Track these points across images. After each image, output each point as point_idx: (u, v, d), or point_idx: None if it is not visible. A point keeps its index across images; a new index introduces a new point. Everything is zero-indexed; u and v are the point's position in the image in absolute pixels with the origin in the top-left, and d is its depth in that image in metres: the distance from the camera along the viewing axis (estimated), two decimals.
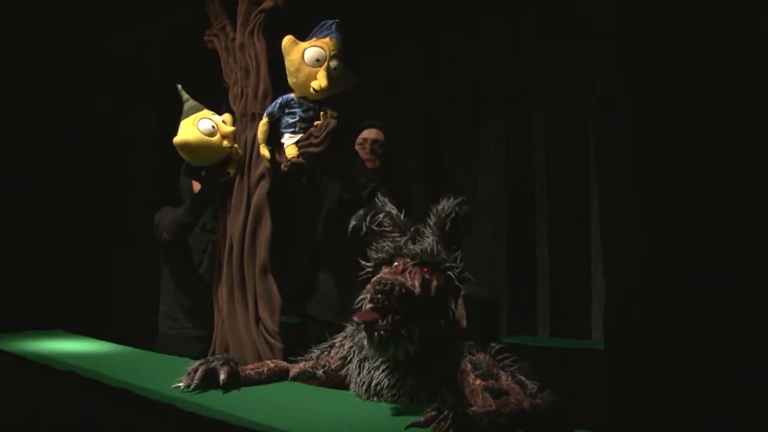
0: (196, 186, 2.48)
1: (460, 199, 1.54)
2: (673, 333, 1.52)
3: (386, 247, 1.54)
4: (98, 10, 3.46)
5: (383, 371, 1.49)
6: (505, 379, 1.35)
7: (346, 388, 1.61)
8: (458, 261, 1.52)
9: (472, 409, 1.16)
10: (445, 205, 1.53)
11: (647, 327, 1.57)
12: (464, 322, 1.56)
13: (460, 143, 3.36)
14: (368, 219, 1.63)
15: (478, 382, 1.35)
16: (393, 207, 1.62)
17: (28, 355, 2.20)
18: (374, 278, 1.39)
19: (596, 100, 2.04)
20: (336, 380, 1.65)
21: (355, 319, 1.40)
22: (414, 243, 1.54)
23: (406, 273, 1.47)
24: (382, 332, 1.37)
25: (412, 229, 1.59)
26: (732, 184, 1.49)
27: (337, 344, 1.68)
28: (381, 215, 1.62)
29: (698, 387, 1.46)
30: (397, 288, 1.36)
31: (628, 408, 1.60)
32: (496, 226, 3.22)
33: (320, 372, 1.67)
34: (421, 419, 1.14)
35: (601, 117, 1.91)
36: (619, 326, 1.67)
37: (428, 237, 1.54)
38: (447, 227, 1.52)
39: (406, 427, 1.14)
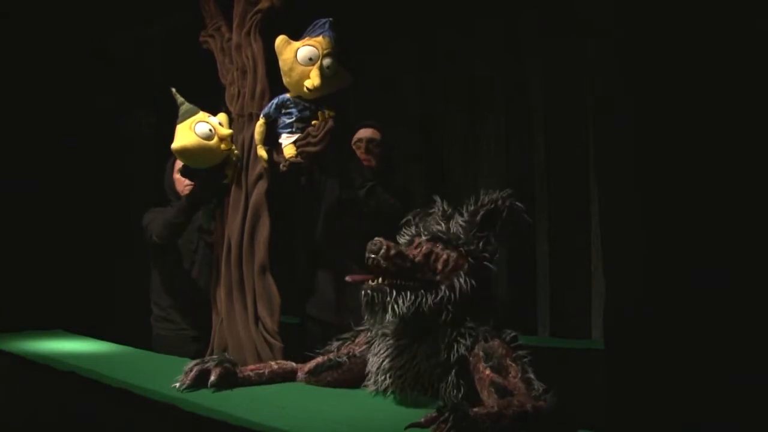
0: (179, 184, 2.48)
1: (506, 192, 1.57)
2: (673, 333, 1.52)
3: (411, 230, 1.59)
4: (98, 10, 3.46)
5: (393, 352, 1.50)
6: (513, 376, 1.34)
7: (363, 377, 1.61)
8: (480, 243, 1.53)
9: (474, 410, 1.16)
10: (488, 197, 1.57)
11: (647, 327, 1.57)
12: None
13: (459, 143, 3.36)
14: (420, 216, 1.66)
15: (487, 372, 1.35)
16: (448, 206, 1.65)
17: (28, 355, 2.20)
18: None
19: (596, 100, 2.04)
20: (359, 367, 1.64)
21: (347, 279, 1.44)
22: (440, 225, 1.57)
23: (418, 247, 1.50)
24: (368, 291, 1.39)
25: (446, 219, 1.61)
26: (732, 184, 1.49)
27: (364, 331, 1.68)
28: (432, 210, 1.66)
29: (698, 387, 1.46)
30: (386, 247, 1.38)
31: (628, 408, 1.60)
32: None
33: (344, 359, 1.66)
34: (422, 419, 1.14)
35: (601, 117, 1.91)
36: (619, 326, 1.67)
37: (459, 222, 1.57)
38: (480, 216, 1.55)
39: (406, 427, 1.14)
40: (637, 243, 1.64)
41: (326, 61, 1.93)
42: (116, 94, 3.77)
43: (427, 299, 1.42)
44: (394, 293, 1.39)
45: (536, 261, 3.07)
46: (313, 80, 1.91)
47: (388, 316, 1.41)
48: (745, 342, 1.43)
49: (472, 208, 1.57)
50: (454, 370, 1.41)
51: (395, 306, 1.39)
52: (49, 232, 3.45)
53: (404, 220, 1.68)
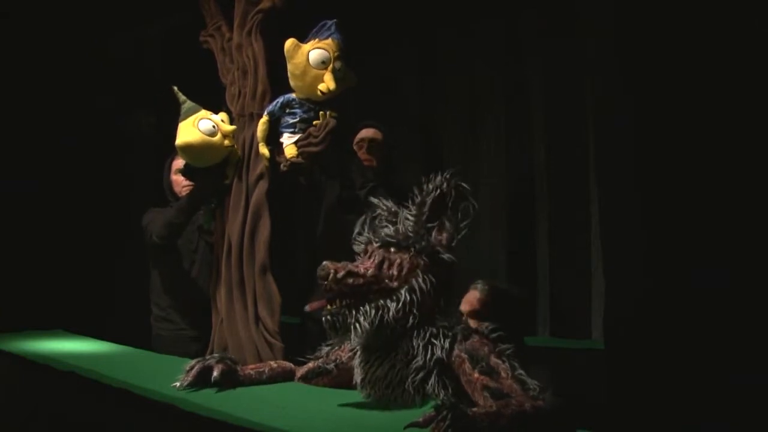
0: (177, 185, 2.48)
1: (448, 172, 1.51)
2: (672, 333, 1.52)
3: (362, 238, 1.56)
4: (98, 10, 3.46)
5: (374, 362, 1.48)
6: (505, 377, 1.33)
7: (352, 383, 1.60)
8: (431, 236, 1.49)
9: (473, 409, 1.16)
10: (432, 184, 1.51)
11: (647, 327, 1.57)
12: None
13: (459, 143, 3.36)
14: (365, 225, 1.63)
15: (476, 375, 1.34)
16: (389, 203, 1.61)
17: (28, 355, 2.20)
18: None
19: (596, 100, 2.04)
20: (347, 374, 1.63)
21: (306, 308, 1.45)
22: (389, 228, 1.53)
23: (371, 257, 1.47)
24: (328, 317, 1.38)
25: (393, 216, 1.57)
26: (732, 184, 1.49)
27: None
28: (379, 212, 1.62)
29: (698, 387, 1.46)
30: (333, 272, 1.37)
31: (628, 408, 1.60)
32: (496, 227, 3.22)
33: (331, 366, 1.66)
34: (420, 419, 1.14)
35: (601, 117, 1.91)
36: (619, 326, 1.67)
37: (407, 219, 1.53)
38: (428, 206, 1.50)
39: (405, 427, 1.14)
40: (637, 243, 1.64)
41: (338, 64, 1.94)
42: (116, 94, 3.77)
43: (388, 309, 1.40)
44: (354, 313, 1.37)
45: (536, 261, 3.07)
46: (328, 84, 1.92)
47: (354, 336, 1.40)
48: (745, 342, 1.43)
49: (419, 199, 1.52)
50: (435, 372, 1.40)
51: (357, 325, 1.37)
52: (49, 232, 3.44)
53: (355, 231, 1.63)
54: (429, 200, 1.50)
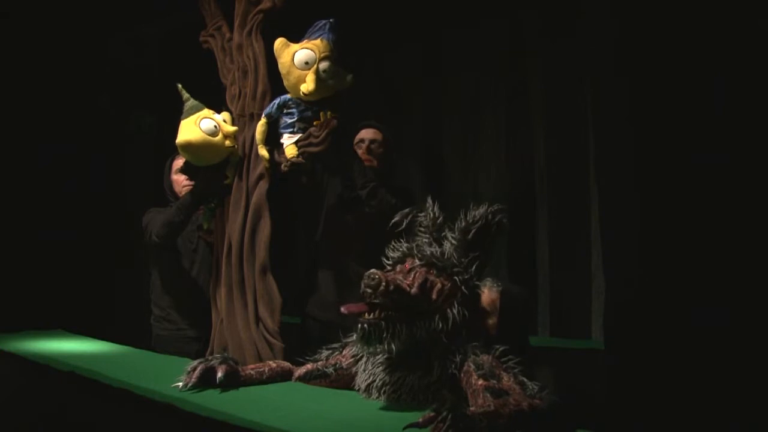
0: (177, 185, 2.48)
1: (495, 206, 1.55)
2: (672, 333, 1.52)
3: (402, 247, 1.57)
4: (98, 10, 3.46)
5: (384, 369, 1.49)
6: (506, 380, 1.35)
7: (353, 387, 1.61)
8: (472, 268, 1.52)
9: (471, 409, 1.16)
10: (478, 212, 1.55)
11: (647, 327, 1.57)
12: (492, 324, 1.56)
13: (460, 143, 3.36)
14: (410, 216, 1.65)
15: (480, 382, 1.34)
16: (438, 211, 1.63)
17: (28, 355, 2.20)
18: (366, 272, 1.40)
19: (596, 100, 2.04)
20: (346, 379, 1.64)
21: (342, 310, 1.42)
22: (432, 245, 1.56)
23: (412, 273, 1.48)
24: (365, 325, 1.38)
25: (437, 231, 1.60)
26: (732, 184, 1.49)
27: (351, 343, 1.68)
28: (422, 215, 1.64)
29: (698, 387, 1.46)
30: (384, 284, 1.36)
31: (628, 408, 1.60)
32: None
33: (330, 370, 1.67)
34: (420, 420, 1.14)
35: (601, 117, 1.91)
36: (619, 326, 1.67)
37: (450, 241, 1.55)
38: (471, 234, 1.53)
39: (405, 428, 1.14)
40: (637, 243, 1.64)
41: (323, 65, 1.91)
42: (116, 94, 3.77)
43: (421, 331, 1.42)
44: (390, 329, 1.38)
45: (536, 261, 3.07)
46: (308, 85, 1.90)
47: (384, 350, 1.41)
48: (745, 342, 1.43)
49: (463, 224, 1.56)
50: (445, 388, 1.41)
51: (390, 342, 1.39)
52: (49, 232, 3.44)
53: (393, 221, 1.65)
54: (473, 229, 1.53)
